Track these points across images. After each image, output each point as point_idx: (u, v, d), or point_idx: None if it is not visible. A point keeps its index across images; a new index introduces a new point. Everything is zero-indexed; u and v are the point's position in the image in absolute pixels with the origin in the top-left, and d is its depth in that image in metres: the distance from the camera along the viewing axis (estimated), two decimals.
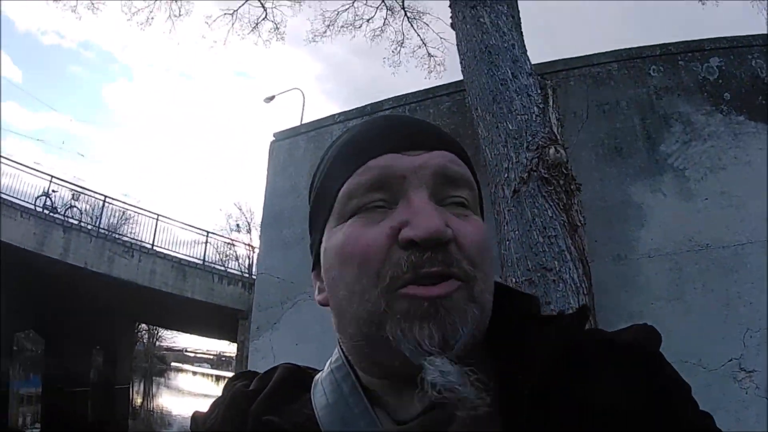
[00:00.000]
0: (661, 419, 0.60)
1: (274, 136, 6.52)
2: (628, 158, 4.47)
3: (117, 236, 19.71)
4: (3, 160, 17.96)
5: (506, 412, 0.60)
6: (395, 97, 5.76)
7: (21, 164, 18.93)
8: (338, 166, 0.70)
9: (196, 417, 0.82)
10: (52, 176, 19.36)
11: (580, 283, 3.41)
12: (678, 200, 4.27)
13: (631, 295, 4.11)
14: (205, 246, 22.00)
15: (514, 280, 3.45)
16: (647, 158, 4.44)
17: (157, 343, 61.16)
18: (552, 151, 3.71)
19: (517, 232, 3.55)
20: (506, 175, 3.75)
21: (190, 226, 22.51)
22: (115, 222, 21.95)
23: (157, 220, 20.76)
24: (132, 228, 22.35)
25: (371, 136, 0.70)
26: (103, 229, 19.68)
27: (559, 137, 3.91)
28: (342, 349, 0.76)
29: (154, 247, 19.79)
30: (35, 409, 19.93)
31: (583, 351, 0.65)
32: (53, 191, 18.87)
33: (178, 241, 21.65)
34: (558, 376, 0.61)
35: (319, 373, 0.81)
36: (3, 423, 15.26)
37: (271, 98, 25.48)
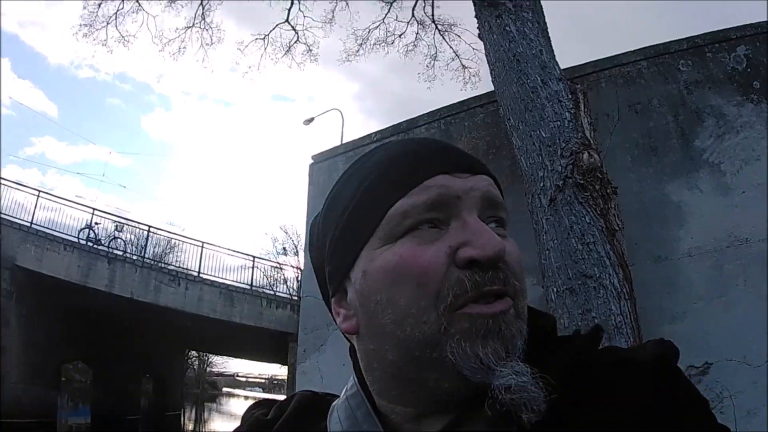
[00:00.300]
0: None
1: (312, 158, 6.59)
2: (663, 157, 4.47)
3: (162, 265, 19.79)
4: (42, 194, 18.24)
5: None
6: (430, 112, 5.79)
7: (62, 198, 19.21)
8: (385, 185, 0.67)
9: None
10: (94, 209, 19.61)
11: (621, 288, 3.43)
12: (715, 196, 4.27)
13: (673, 296, 4.11)
14: (252, 271, 21.97)
15: (555, 289, 3.50)
16: (682, 155, 4.44)
17: (208, 368, 60.48)
18: (586, 156, 3.72)
19: (555, 241, 3.58)
20: (542, 183, 3.77)
21: (237, 251, 22.49)
22: (161, 251, 22.16)
23: (203, 247, 20.79)
24: (177, 256, 22.54)
25: (420, 157, 0.69)
26: (149, 258, 19.78)
27: (592, 141, 3.91)
28: (358, 377, 0.76)
29: (201, 275, 19.82)
30: None
31: (597, 371, 0.64)
32: (96, 223, 19.00)
33: (225, 267, 21.73)
34: (571, 397, 0.61)
35: (336, 400, 0.80)
36: None
37: (311, 120, 25.38)
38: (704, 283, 4.08)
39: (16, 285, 15.83)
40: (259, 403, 0.87)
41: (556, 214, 3.63)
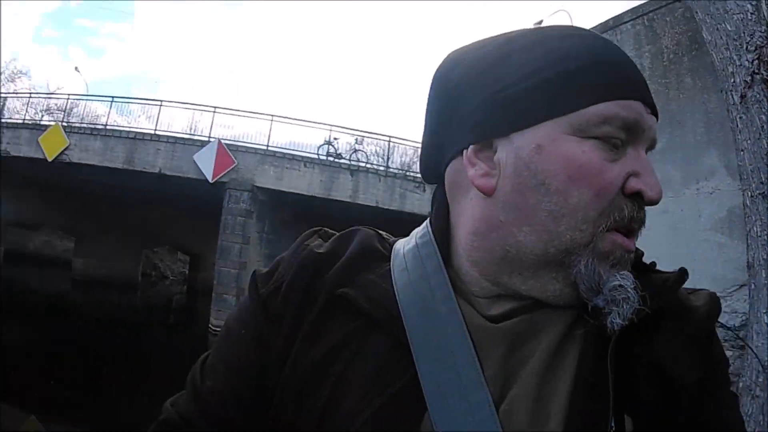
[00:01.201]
0: (706, 395, 0.64)
1: None
2: None
3: (408, 174, 19.21)
4: (275, 118, 18.47)
5: (592, 341, 0.63)
6: (633, 8, 5.60)
7: (297, 119, 19.30)
8: (598, 78, 0.64)
9: (256, 277, 0.77)
10: (332, 125, 19.58)
11: None
12: None
13: None
14: None
15: (749, 193, 3.40)
16: None
17: None
18: None
19: (748, 141, 3.43)
20: (732, 80, 3.62)
21: None
22: (408, 160, 21.23)
23: None
24: None
25: (629, 73, 0.67)
26: (393, 168, 19.41)
27: None
28: (435, 226, 0.74)
29: None
30: None
31: (668, 311, 0.66)
32: (335, 139, 19.21)
33: None
34: (644, 329, 0.62)
35: (400, 241, 0.78)
36: None
37: (540, 23, 23.66)
38: None
39: (256, 204, 16.75)
40: (315, 233, 0.81)
41: (748, 113, 3.47)
